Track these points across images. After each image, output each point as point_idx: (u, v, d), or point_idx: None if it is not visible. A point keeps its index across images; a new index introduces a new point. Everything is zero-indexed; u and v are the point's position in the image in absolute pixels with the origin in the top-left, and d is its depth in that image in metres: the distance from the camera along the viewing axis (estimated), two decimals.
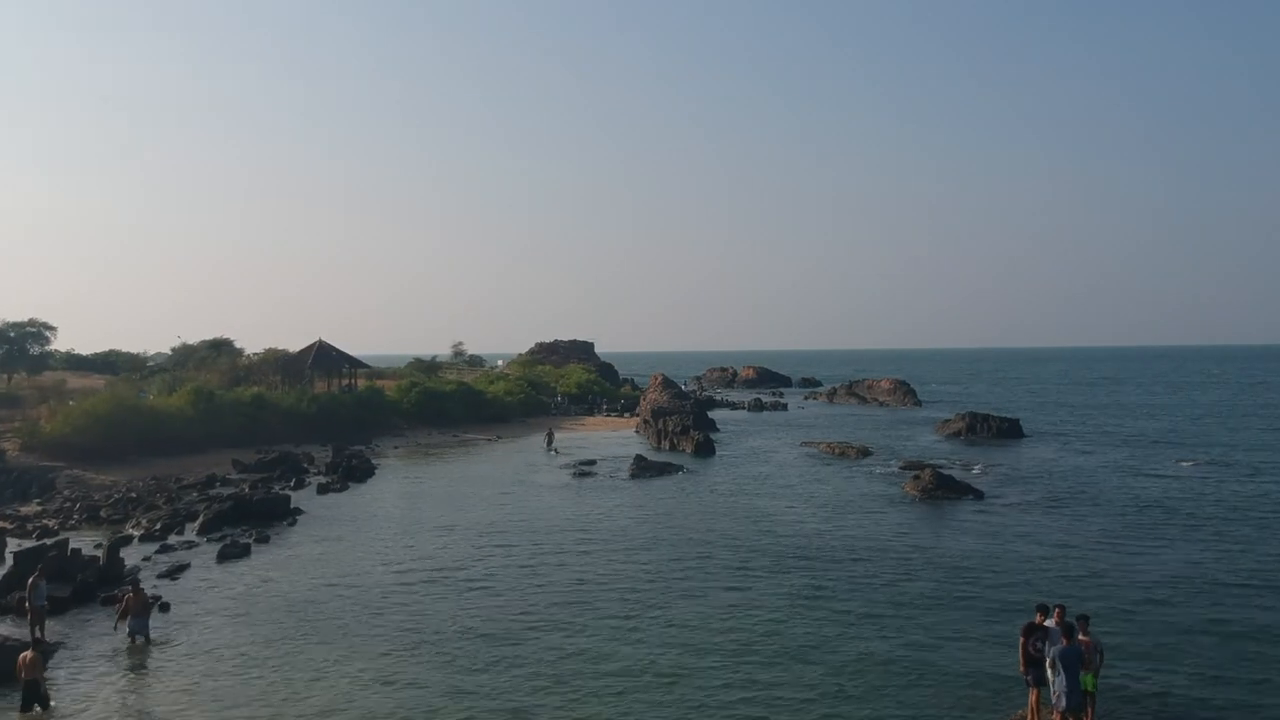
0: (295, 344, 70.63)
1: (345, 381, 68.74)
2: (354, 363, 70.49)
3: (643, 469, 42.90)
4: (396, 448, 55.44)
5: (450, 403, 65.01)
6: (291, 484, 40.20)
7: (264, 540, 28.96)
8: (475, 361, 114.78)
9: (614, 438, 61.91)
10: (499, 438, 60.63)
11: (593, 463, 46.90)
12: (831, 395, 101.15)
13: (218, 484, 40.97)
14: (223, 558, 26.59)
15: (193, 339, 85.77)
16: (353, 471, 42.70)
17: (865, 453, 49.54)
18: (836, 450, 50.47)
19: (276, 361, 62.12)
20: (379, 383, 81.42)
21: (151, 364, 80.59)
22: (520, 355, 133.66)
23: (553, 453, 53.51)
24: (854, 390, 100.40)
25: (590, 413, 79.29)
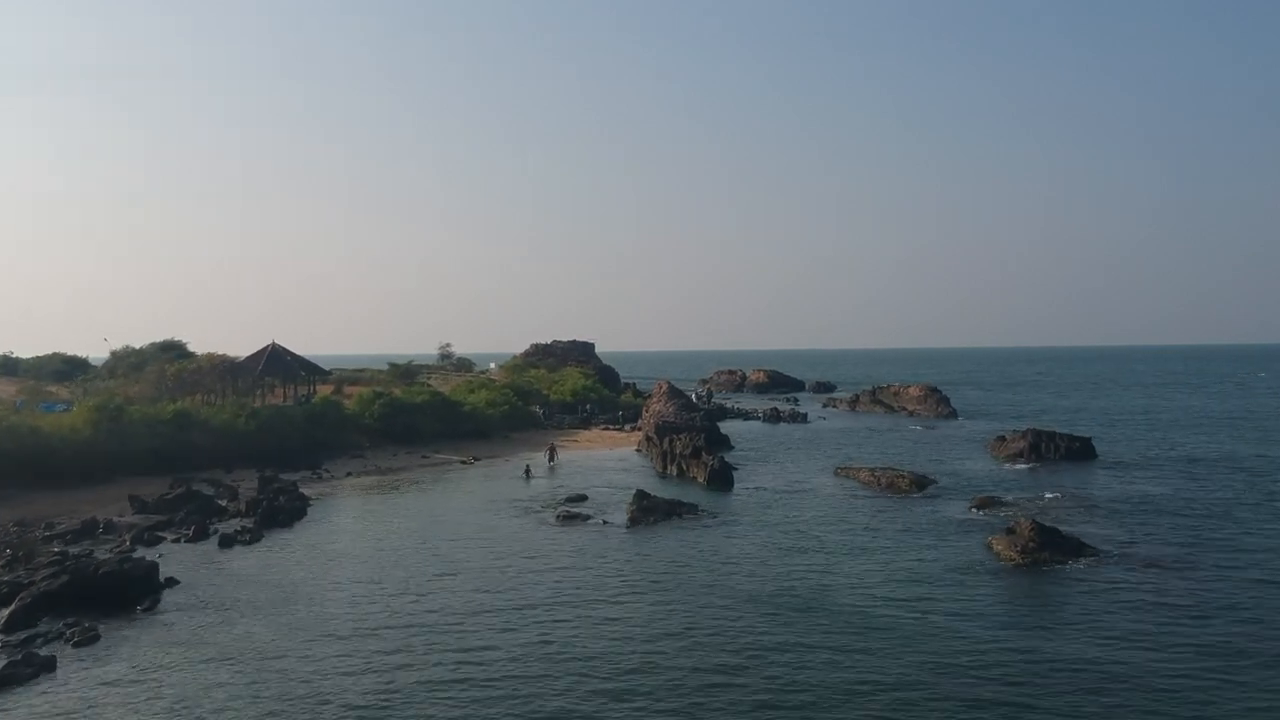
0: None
1: (303, 391, 59.54)
2: (312, 369, 61.29)
3: (645, 511, 33.60)
4: (350, 473, 46.19)
5: (420, 416, 55.74)
6: (189, 533, 30.93)
7: (89, 641, 19.78)
8: (464, 365, 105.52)
9: (611, 458, 52.67)
10: (475, 459, 51.35)
11: (583, 499, 37.67)
12: (853, 403, 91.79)
13: (99, 530, 31.83)
14: (2, 685, 17.38)
15: (140, 341, 76.96)
16: (276, 513, 33.48)
17: (919, 484, 40.24)
18: (883, 481, 41.12)
19: (217, 369, 52.78)
20: (352, 389, 72.60)
21: (89, 371, 71.27)
22: (514, 358, 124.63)
23: (529, 479, 44.46)
24: (878, 397, 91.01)
25: (586, 425, 69.95)
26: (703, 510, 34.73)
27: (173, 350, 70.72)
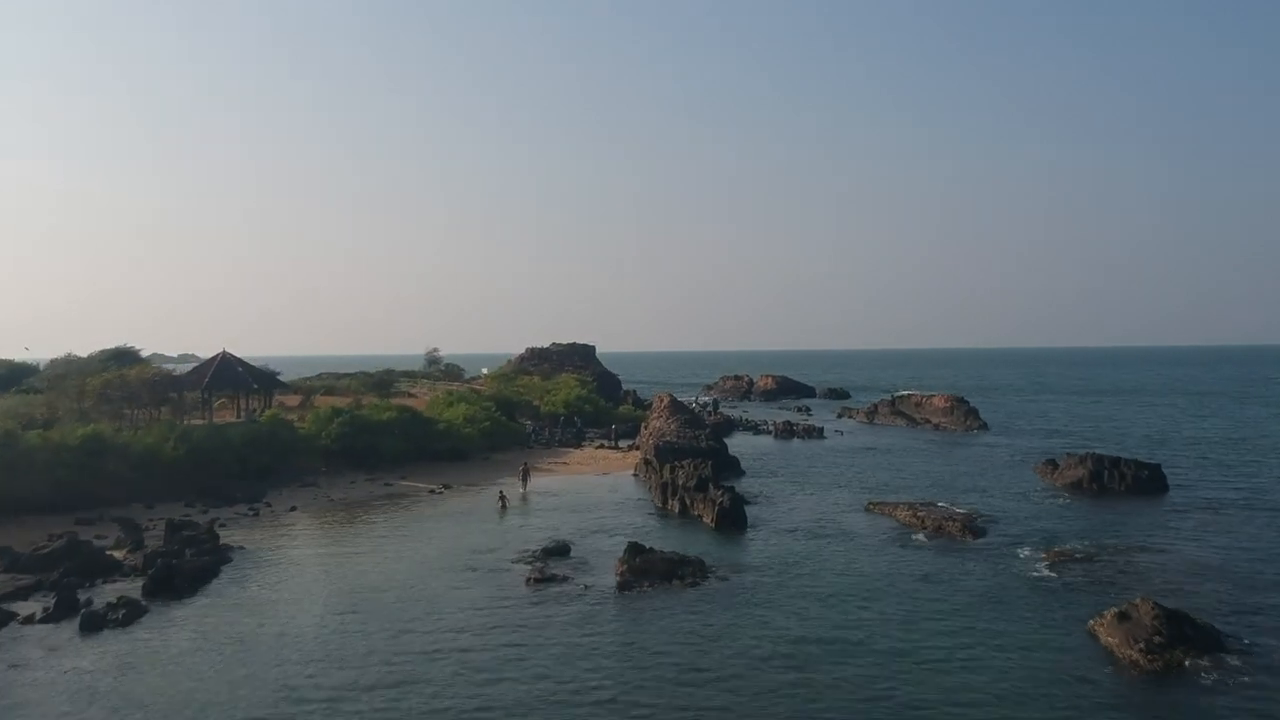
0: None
1: (255, 406, 52.62)
2: (268, 381, 54.32)
3: (637, 572, 26.63)
4: (294, 507, 39.21)
5: (386, 436, 48.78)
6: (50, 607, 24.00)
7: None
8: (452, 371, 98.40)
9: (603, 486, 45.69)
10: (445, 488, 44.39)
11: (564, 551, 30.67)
12: (871, 414, 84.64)
13: None
14: None
15: (85, 349, 70.12)
16: (173, 576, 26.49)
17: (971, 528, 33.26)
18: (928, 523, 34.15)
19: (149, 382, 45.76)
20: (325, 400, 65.82)
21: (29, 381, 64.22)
22: (507, 363, 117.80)
23: (503, 514, 38.17)
24: (899, 408, 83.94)
25: (578, 442, 62.85)
26: (710, 568, 27.76)
27: (124, 359, 63.85)
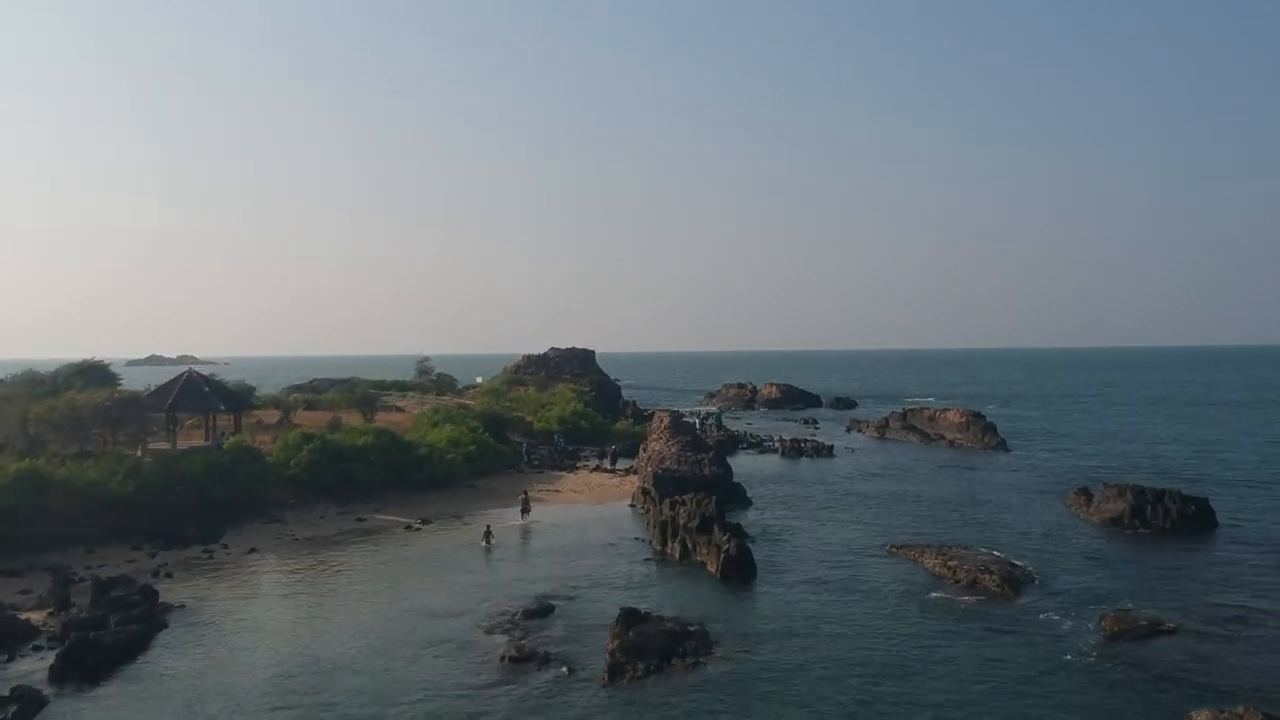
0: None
1: (224, 428, 48.82)
2: (236, 402, 50.49)
3: (630, 653, 22.79)
4: (254, 549, 35.34)
5: (361, 464, 44.97)
6: None
7: None
8: (444, 383, 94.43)
9: (597, 521, 41.89)
10: (424, 522, 40.62)
11: (548, 612, 26.92)
12: (882, 429, 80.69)
13: None
14: None
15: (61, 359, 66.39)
16: (88, 655, 22.66)
17: (1011, 582, 29.40)
18: (960, 575, 30.31)
19: (100, 407, 41.83)
20: (307, 415, 62.25)
21: None
22: (504, 371, 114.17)
23: (489, 551, 35.04)
24: (911, 422, 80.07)
25: (571, 465, 58.92)
26: (715, 639, 23.98)
27: (91, 374, 60.02)
